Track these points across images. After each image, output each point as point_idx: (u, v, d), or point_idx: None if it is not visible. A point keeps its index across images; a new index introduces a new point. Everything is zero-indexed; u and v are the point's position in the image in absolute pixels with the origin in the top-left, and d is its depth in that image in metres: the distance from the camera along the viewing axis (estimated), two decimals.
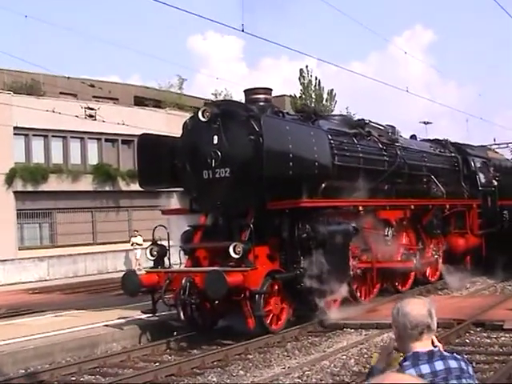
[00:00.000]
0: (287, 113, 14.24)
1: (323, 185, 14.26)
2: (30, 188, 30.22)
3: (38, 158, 31.38)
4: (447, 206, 19.21)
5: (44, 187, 30.56)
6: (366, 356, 10.61)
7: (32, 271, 28.58)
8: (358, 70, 74.70)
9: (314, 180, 13.56)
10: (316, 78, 49.19)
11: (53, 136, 31.55)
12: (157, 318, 13.74)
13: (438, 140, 21.95)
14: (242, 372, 10.34)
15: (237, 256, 12.19)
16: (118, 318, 13.99)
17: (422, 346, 3.37)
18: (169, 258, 13.52)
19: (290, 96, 47.59)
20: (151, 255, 13.38)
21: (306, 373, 9.85)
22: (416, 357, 3.32)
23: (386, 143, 17.17)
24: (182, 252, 13.77)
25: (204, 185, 13.43)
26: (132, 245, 29.57)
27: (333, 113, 46.18)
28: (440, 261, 19.53)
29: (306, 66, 48.83)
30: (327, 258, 13.09)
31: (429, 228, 18.41)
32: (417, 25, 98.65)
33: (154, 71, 77.81)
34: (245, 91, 14.31)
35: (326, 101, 49.32)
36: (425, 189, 18.87)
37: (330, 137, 14.83)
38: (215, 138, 13.17)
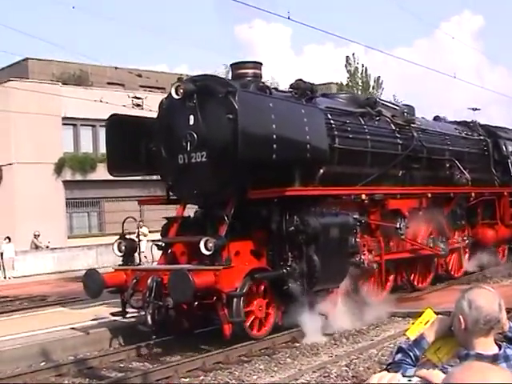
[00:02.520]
0: (276, 89, 12.48)
1: (321, 171, 12.55)
2: (78, 177, 30.69)
3: (86, 147, 31.93)
4: (472, 195, 17.27)
5: (92, 176, 30.69)
6: None
7: (81, 259, 27.92)
8: (405, 56, 72.32)
9: (307, 165, 11.84)
10: (363, 66, 48.73)
11: (101, 126, 31.10)
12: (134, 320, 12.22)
13: (466, 122, 19.98)
14: (289, 360, 10.17)
15: (208, 252, 10.57)
16: None
17: (486, 344, 3.14)
18: (139, 254, 11.96)
19: (337, 84, 45.98)
20: (119, 251, 11.83)
21: (354, 361, 9.70)
22: (479, 359, 3.02)
23: (399, 124, 15.33)
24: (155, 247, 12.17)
25: (179, 171, 11.85)
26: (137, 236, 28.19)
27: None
28: (465, 255, 17.67)
29: (353, 54, 48.36)
30: (320, 254, 11.38)
31: (451, 219, 16.54)
32: (465, 10, 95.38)
33: (201, 60, 76.39)
34: (231, 65, 12.71)
35: (373, 88, 48.85)
36: (447, 175, 16.97)
37: (329, 116, 13.10)
38: (191, 117, 11.54)
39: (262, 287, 11.29)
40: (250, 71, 12.48)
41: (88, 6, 72.74)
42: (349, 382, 8.86)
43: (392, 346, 10.41)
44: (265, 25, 69.84)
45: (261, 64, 12.74)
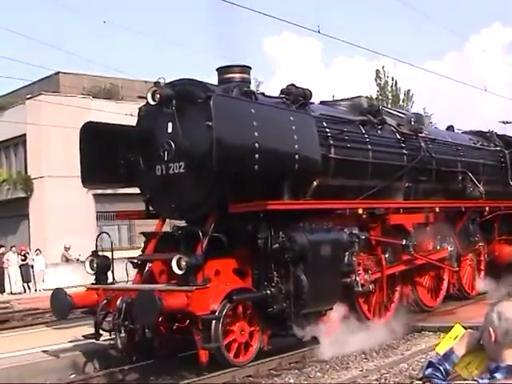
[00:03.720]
0: (263, 94, 11.53)
1: (314, 183, 11.60)
2: (109, 190, 30.52)
3: None
4: (486, 209, 16.15)
5: (123, 189, 30.18)
6: None
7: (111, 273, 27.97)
8: (436, 69, 71.13)
9: (296, 177, 10.86)
10: (392, 79, 48.68)
11: None
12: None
13: (482, 132, 18.87)
14: (319, 374, 10.03)
15: (180, 272, 9.67)
16: None
17: None
18: (112, 272, 11.08)
19: (366, 97, 45.21)
20: (91, 268, 10.95)
21: (384, 375, 9.55)
22: (509, 370, 3.15)
23: (405, 133, 14.32)
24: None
25: (157, 183, 10.97)
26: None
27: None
28: (480, 273, 16.57)
29: (383, 67, 48.22)
30: (309, 274, 10.41)
31: (463, 235, 15.44)
32: (495, 23, 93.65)
33: None
34: (217, 69, 11.77)
35: (403, 101, 48.67)
36: (459, 188, 15.89)
37: (324, 124, 12.14)
38: (169, 125, 10.66)
39: (245, 309, 10.35)
40: (238, 75, 11.60)
41: (118, 20, 72.75)
42: None
43: (422, 360, 10.28)
44: (296, 38, 69.34)
45: (249, 68, 11.84)
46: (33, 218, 33.37)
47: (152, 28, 73.44)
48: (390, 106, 46.53)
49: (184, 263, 9.60)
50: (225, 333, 10.03)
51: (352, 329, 11.72)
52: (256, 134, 10.09)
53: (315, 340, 11.02)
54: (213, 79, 11.50)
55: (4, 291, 26.20)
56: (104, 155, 11.45)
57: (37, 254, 27.23)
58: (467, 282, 16.08)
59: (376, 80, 48.72)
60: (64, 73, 36.51)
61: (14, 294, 25.68)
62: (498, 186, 17.68)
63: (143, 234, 11.59)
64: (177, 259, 9.67)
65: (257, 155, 10.07)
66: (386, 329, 12.43)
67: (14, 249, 27.50)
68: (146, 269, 11.22)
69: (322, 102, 13.66)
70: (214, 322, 9.79)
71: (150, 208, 11.56)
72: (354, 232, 11.61)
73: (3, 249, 27.99)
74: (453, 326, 3.66)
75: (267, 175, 10.33)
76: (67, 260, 28.63)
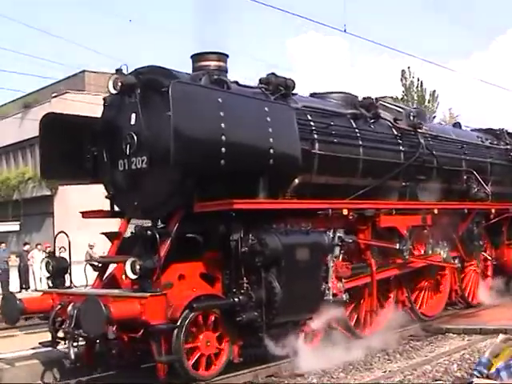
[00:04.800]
0: (236, 82, 10.55)
1: (296, 181, 10.64)
2: None
3: None
4: (493, 211, 15.06)
5: None
6: (468, 362, 10.11)
7: None
8: (462, 69, 69.84)
9: (271, 174, 9.90)
10: (418, 79, 48.25)
11: None
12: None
13: (492, 130, 17.75)
14: (342, 374, 9.88)
15: (134, 276, 8.76)
16: None
17: None
18: (70, 275, 10.21)
19: (392, 97, 44.56)
20: (46, 271, 10.09)
21: (408, 377, 9.45)
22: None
23: (403, 129, 13.30)
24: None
25: (120, 179, 10.09)
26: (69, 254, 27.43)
27: (435, 114, 43.69)
28: (486, 279, 15.52)
29: (408, 68, 47.78)
30: (282, 280, 9.46)
31: (467, 238, 14.37)
32: None
33: (256, 72, 74.37)
34: (192, 57, 10.86)
35: (429, 102, 48.30)
36: (463, 189, 14.82)
37: (308, 117, 11.18)
38: (133, 116, 9.77)
39: (212, 318, 9.43)
40: (213, 63, 10.66)
41: (143, 19, 72.26)
42: None
43: (446, 362, 10.23)
44: (321, 37, 68.33)
45: (226, 56, 10.89)
46: (57, 216, 32.84)
47: (177, 26, 72.85)
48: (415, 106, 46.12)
49: (138, 267, 8.68)
50: (188, 343, 9.14)
51: (336, 340, 10.83)
52: (223, 125, 9.16)
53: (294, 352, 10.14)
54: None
55: (29, 288, 26.05)
56: (68, 148, 10.56)
57: (61, 252, 26.68)
58: (471, 290, 15.02)
59: (402, 80, 48.29)
60: (89, 71, 36.83)
61: (39, 291, 25.15)
62: (507, 187, 16.59)
63: (105, 234, 10.68)
64: (131, 262, 8.76)
65: (223, 149, 9.14)
66: (376, 340, 11.51)
67: (39, 247, 27.34)
68: (108, 272, 10.32)
69: (312, 94, 12.69)
70: (175, 331, 8.90)
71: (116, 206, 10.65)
72: (338, 235, 10.62)
73: (28, 246, 27.95)
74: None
75: (236, 171, 9.38)
76: (91, 258, 28.12)
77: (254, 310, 9.43)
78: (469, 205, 14.22)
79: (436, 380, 9.28)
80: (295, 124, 10.29)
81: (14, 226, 34.85)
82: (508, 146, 17.13)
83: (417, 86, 48.51)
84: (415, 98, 48.04)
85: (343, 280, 10.94)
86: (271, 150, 9.80)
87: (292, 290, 9.57)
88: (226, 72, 10.81)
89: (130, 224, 10.52)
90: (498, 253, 15.91)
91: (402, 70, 48.17)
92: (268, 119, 9.87)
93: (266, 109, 9.95)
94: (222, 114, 9.19)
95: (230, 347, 9.65)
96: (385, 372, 9.95)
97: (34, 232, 35.45)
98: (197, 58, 10.74)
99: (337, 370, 10.05)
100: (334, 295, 10.61)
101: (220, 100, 9.28)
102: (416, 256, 12.87)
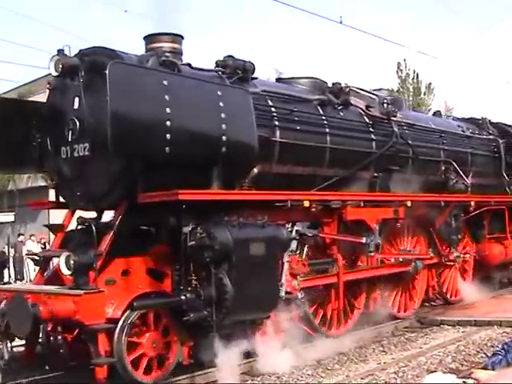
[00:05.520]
0: (188, 64, 9.84)
1: (255, 170, 9.95)
2: None
3: None
4: (472, 204, 14.38)
5: None
6: (463, 353, 10.24)
7: None
8: (458, 61, 69.08)
9: (225, 162, 9.23)
10: (414, 72, 47.48)
11: None
12: None
13: (474, 119, 17.07)
14: (337, 366, 9.91)
15: (69, 272, 8.11)
16: None
17: None
18: (9, 269, 9.56)
19: (387, 89, 44.26)
20: None
21: (402, 369, 9.46)
22: None
23: (376, 117, 12.62)
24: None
25: (63, 167, 9.41)
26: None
27: (430, 107, 43.25)
28: (467, 274, 14.89)
29: (404, 60, 46.96)
30: (234, 277, 8.79)
31: (444, 232, 13.70)
32: None
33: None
34: (144, 38, 10.18)
35: (424, 94, 47.55)
36: (441, 180, 14.15)
37: (269, 102, 10.52)
38: (76, 100, 9.08)
39: (160, 318, 8.81)
40: (167, 45, 9.99)
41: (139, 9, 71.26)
42: None
43: (441, 354, 10.25)
44: (317, 27, 67.47)
45: (181, 37, 10.21)
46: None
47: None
48: (411, 99, 45.74)
49: (72, 262, 8.02)
50: (132, 345, 8.51)
51: (298, 341, 10.20)
52: (168, 110, 8.49)
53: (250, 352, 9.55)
54: None
55: (23, 279, 25.58)
56: (15, 136, 9.86)
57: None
58: (450, 285, 14.37)
59: (397, 72, 47.58)
60: None
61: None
62: (489, 179, 15.96)
63: (47, 226, 10.02)
64: (65, 257, 8.10)
65: (168, 135, 8.47)
66: (341, 341, 10.89)
67: (33, 237, 27.05)
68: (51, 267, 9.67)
69: (278, 79, 12.01)
70: (116, 332, 8.26)
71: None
72: (296, 229, 9.95)
73: (22, 237, 27.64)
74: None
75: (184, 159, 8.72)
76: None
77: (203, 308, 8.78)
78: (445, 197, 13.54)
79: (431, 372, 9.16)
80: (252, 109, 9.62)
81: (9, 217, 34.44)
82: (491, 136, 16.45)
83: (412, 78, 47.75)
84: (411, 90, 47.33)
85: (299, 278, 10.24)
86: (223, 137, 9.13)
87: (244, 288, 8.90)
88: (181, 54, 10.15)
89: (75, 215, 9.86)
90: (479, 247, 15.24)
91: (398, 62, 47.49)
92: (221, 104, 9.20)
93: (219, 93, 9.28)
94: (167, 97, 8.52)
95: (179, 348, 9.02)
96: (379, 363, 9.94)
97: (29, 223, 34.91)
98: (149, 39, 10.08)
99: (331, 361, 10.07)
100: (288, 293, 9.93)
101: (166, 83, 8.60)
102: (387, 252, 12.21)
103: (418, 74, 47.55)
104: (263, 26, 73.96)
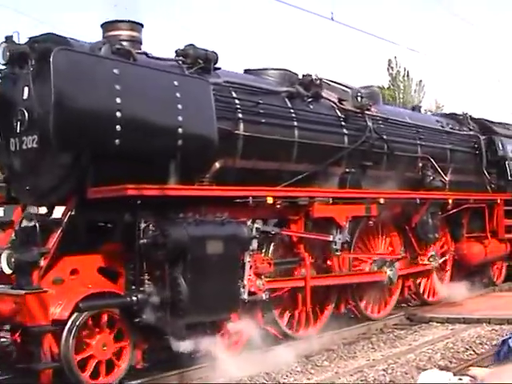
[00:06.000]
0: (145, 53, 9.37)
1: (216, 165, 9.52)
2: None
3: None
4: (450, 201, 13.95)
5: None
6: (452, 350, 10.29)
7: None
8: (449, 59, 68.96)
9: (183, 156, 8.78)
10: (404, 69, 48.21)
11: None
12: None
13: (455, 115, 16.65)
14: (326, 362, 9.89)
15: (9, 271, 7.66)
16: None
17: None
18: None
19: (378, 87, 44.31)
20: None
21: (391, 366, 9.47)
22: None
23: (348, 110, 12.18)
24: None
25: (13, 160, 8.94)
26: None
27: (421, 105, 43.03)
28: (445, 275, 14.48)
29: (395, 57, 47.53)
30: (190, 277, 8.35)
31: (420, 231, 13.27)
32: None
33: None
34: (102, 25, 9.72)
35: (415, 92, 48.41)
36: (418, 177, 13.72)
37: (233, 94, 10.07)
38: (25, 90, 8.61)
39: (111, 319, 8.36)
40: (125, 33, 9.53)
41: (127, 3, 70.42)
42: None
43: (430, 351, 10.28)
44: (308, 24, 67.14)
45: (141, 25, 9.75)
46: None
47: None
48: (401, 97, 45.55)
49: (13, 260, 7.56)
50: (81, 345, 8.07)
51: (263, 344, 9.78)
52: (118, 100, 8.05)
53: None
54: None
55: None
56: None
57: None
58: (426, 286, 13.95)
59: (388, 70, 48.19)
60: None
61: None
62: (469, 176, 15.53)
63: None
64: (7, 255, 7.65)
65: (118, 127, 8.04)
66: (309, 344, 10.47)
67: None
68: None
69: (246, 71, 11.56)
70: (64, 335, 7.82)
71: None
72: (257, 226, 9.49)
73: None
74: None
75: (136, 153, 8.26)
76: None
77: (157, 309, 8.33)
78: (420, 194, 13.10)
79: (419, 368, 9.14)
80: (212, 101, 9.18)
81: None
82: (471, 132, 16.02)
83: (403, 76, 48.10)
84: (401, 87, 47.86)
85: (263, 278, 9.79)
86: (180, 130, 8.69)
87: (201, 288, 8.46)
88: (141, 43, 9.70)
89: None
90: (458, 246, 14.82)
91: (389, 60, 47.88)
92: (177, 95, 8.76)
93: (176, 83, 8.82)
94: (118, 87, 8.08)
95: (132, 351, 8.57)
96: (368, 360, 9.96)
97: None
98: (107, 26, 9.61)
99: (321, 357, 10.05)
100: (252, 293, 9.49)
101: (116, 71, 8.16)
102: (359, 252, 11.80)
103: (408, 72, 48.00)
104: (253, 22, 73.43)
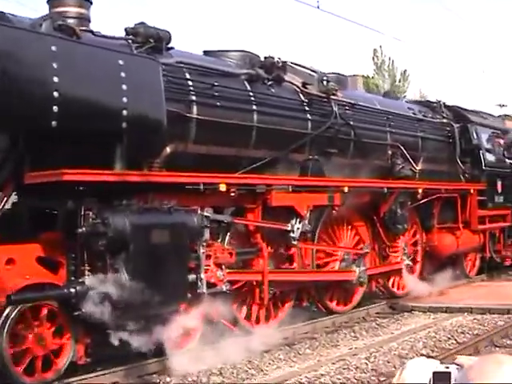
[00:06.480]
0: (91, 31, 8.84)
1: (167, 149, 9.04)
2: None
3: None
4: (419, 191, 13.52)
5: None
6: (434, 339, 10.34)
7: None
8: (434, 50, 68.70)
9: (128, 140, 8.28)
10: (389, 59, 48.40)
11: None
12: None
13: (428, 102, 16.23)
14: (308, 351, 9.90)
15: None
16: None
17: None
18: None
19: (363, 76, 44.32)
20: None
21: (373, 354, 9.50)
22: None
23: (313, 95, 11.71)
24: None
25: None
26: None
27: (405, 94, 42.69)
28: (415, 267, 14.06)
29: (380, 46, 47.80)
30: (133, 268, 7.87)
31: (388, 221, 12.84)
32: None
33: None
34: (48, 1, 9.19)
35: (399, 81, 48.55)
36: (387, 165, 13.27)
37: (187, 75, 9.58)
38: None
39: (50, 312, 7.88)
40: (73, 10, 8.99)
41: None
42: (368, 374, 8.53)
43: (412, 340, 10.32)
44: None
45: (90, 2, 9.23)
46: None
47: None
48: (386, 86, 45.24)
49: None
50: (16, 339, 7.60)
51: (217, 338, 9.34)
52: (56, 79, 7.52)
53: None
54: None
55: None
56: None
57: None
58: (395, 279, 13.53)
59: (373, 59, 48.25)
60: None
61: None
62: (442, 165, 15.11)
63: None
64: None
65: (55, 107, 7.51)
66: (267, 337, 10.02)
67: None
68: None
69: (205, 52, 11.07)
70: None
71: None
72: (206, 214, 8.99)
73: None
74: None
75: (76, 135, 7.75)
76: None
77: (98, 302, 7.85)
78: (388, 183, 12.66)
79: (402, 357, 9.21)
80: (161, 82, 8.67)
81: None
82: (444, 120, 15.58)
83: (388, 65, 48.27)
84: (386, 76, 48.01)
85: (224, 268, 9.33)
86: (124, 112, 8.17)
87: (145, 280, 7.98)
88: (89, 21, 9.17)
89: None
90: (429, 237, 14.42)
91: (374, 49, 48.02)
92: (122, 74, 8.24)
93: (121, 62, 8.30)
94: (55, 65, 7.55)
95: (73, 346, 8.09)
96: (351, 349, 9.94)
97: None
98: (53, 2, 9.08)
99: (303, 345, 10.06)
100: (213, 285, 9.01)
101: (54, 49, 7.63)
102: (323, 244, 11.36)
103: (393, 61, 48.33)
104: (238, 9, 72.92)
